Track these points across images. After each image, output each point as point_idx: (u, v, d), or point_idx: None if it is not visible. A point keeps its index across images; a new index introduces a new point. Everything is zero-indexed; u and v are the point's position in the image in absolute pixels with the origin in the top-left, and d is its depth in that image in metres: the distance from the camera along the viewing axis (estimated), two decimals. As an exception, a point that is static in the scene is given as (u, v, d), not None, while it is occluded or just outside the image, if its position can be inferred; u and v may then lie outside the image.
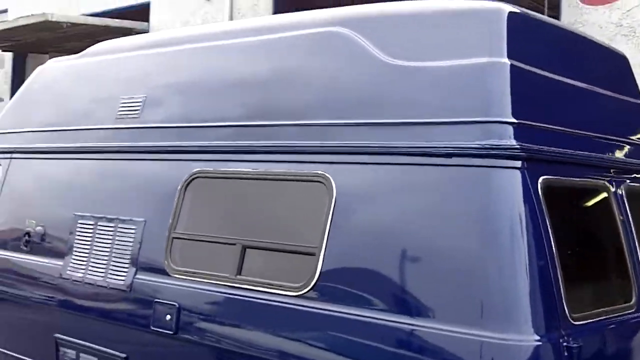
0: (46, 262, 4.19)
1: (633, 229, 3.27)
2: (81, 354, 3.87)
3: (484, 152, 2.73)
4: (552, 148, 2.88)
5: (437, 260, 2.77)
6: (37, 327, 4.20)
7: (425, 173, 2.86)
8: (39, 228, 4.34)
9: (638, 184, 3.46)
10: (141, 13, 12.02)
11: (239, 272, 3.29)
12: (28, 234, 4.38)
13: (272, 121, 3.39)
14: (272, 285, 3.14)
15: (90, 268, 3.90)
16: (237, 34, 3.86)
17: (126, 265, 3.73)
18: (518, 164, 2.73)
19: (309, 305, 3.00)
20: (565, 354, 2.59)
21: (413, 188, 2.90)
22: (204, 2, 11.13)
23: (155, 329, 3.49)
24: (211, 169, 3.56)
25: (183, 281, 3.46)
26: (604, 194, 3.20)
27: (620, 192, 3.28)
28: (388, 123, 3.01)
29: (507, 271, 2.63)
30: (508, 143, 2.73)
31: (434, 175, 2.84)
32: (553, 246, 2.71)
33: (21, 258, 4.39)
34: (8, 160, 4.75)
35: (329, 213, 3.02)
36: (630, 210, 3.30)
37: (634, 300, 3.15)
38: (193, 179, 3.61)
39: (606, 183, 3.21)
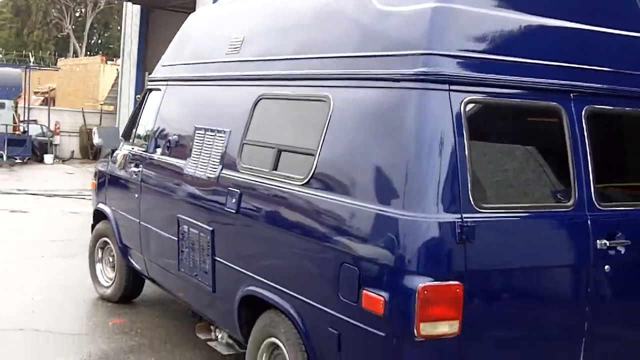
0: (176, 162, 5.61)
1: (587, 144, 3.88)
2: (190, 229, 5.24)
3: (419, 77, 3.56)
4: (479, 74, 3.63)
5: (383, 158, 3.68)
6: (168, 209, 5.66)
7: (385, 94, 3.75)
8: (174, 136, 5.80)
9: (603, 106, 4.04)
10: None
11: (275, 168, 4.43)
12: (169, 140, 5.85)
13: (300, 55, 4.45)
14: (289, 177, 4.24)
15: (199, 166, 5.23)
16: None
17: (217, 163, 5.00)
18: (445, 87, 3.55)
19: (308, 192, 4.06)
20: (458, 230, 3.41)
21: (377, 106, 3.79)
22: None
23: (227, 209, 4.75)
24: (269, 92, 4.70)
25: (244, 175, 4.67)
26: (546, 112, 3.86)
27: (578, 112, 3.89)
28: (368, 55, 3.92)
29: (422, 167, 3.49)
30: (435, 70, 3.55)
31: (390, 96, 3.72)
32: (466, 152, 3.50)
33: (164, 158, 5.88)
34: (165, 86, 6.26)
35: (325, 124, 4.04)
36: (589, 128, 3.91)
37: (571, 201, 3.81)
38: (259, 100, 4.77)
39: (554, 103, 3.85)
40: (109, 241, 7.04)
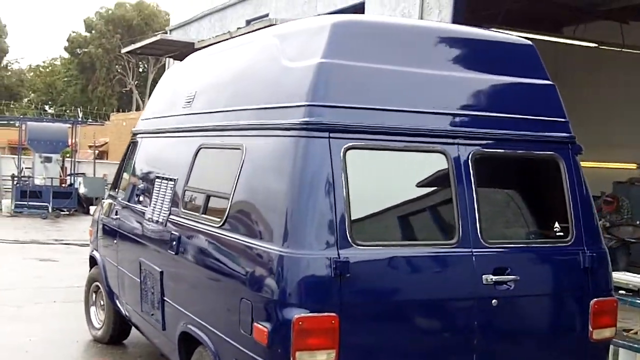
0: (141, 209, 6.06)
1: (473, 184, 4.15)
2: (148, 271, 5.64)
3: (302, 126, 3.92)
4: (360, 122, 3.96)
5: (272, 200, 4.03)
6: (135, 253, 6.08)
7: (279, 142, 4.09)
8: (142, 185, 6.27)
9: (492, 149, 4.31)
10: (357, 11, 13.63)
11: (204, 212, 4.81)
12: (138, 189, 6.32)
13: (228, 108, 4.86)
14: (212, 220, 4.62)
15: (155, 211, 5.66)
16: (224, 49, 5.43)
17: (167, 209, 5.42)
18: (325, 134, 3.90)
19: (222, 233, 4.43)
20: (333, 265, 3.72)
21: (273, 153, 4.15)
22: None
23: (169, 251, 5.15)
24: (206, 142, 5.10)
25: (183, 219, 5.07)
26: (430, 156, 4.15)
27: (464, 155, 4.17)
28: (272, 107, 4.30)
29: (302, 208, 3.82)
30: (316, 120, 3.90)
31: (282, 143, 4.06)
32: (344, 193, 3.82)
33: (133, 206, 6.34)
34: (140, 139, 6.77)
35: (238, 171, 4.42)
36: (476, 170, 4.18)
37: (455, 238, 4.07)
38: (199, 149, 5.18)
39: (439, 147, 4.14)
40: (100, 285, 7.50)
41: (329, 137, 3.90)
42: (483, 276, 4.07)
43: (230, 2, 18.69)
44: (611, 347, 5.49)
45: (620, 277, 6.77)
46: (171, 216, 5.31)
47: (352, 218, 3.84)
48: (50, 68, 69.71)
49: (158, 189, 5.72)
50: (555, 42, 13.56)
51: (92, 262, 7.71)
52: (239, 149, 4.50)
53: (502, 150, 4.37)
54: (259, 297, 3.88)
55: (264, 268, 3.90)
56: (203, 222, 4.74)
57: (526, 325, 4.27)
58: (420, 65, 4.25)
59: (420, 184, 4.24)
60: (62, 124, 23.39)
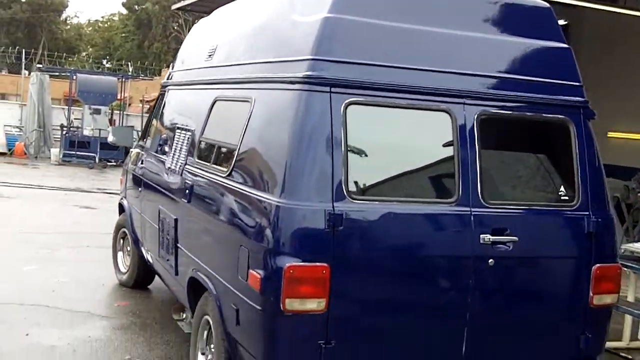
0: (163, 158, 6.19)
1: (476, 145, 4.14)
2: (165, 218, 5.79)
3: (305, 80, 3.95)
4: (362, 78, 3.97)
5: (273, 152, 4.08)
6: (155, 201, 6.24)
7: (284, 95, 4.11)
8: (164, 135, 6.39)
9: (499, 111, 4.29)
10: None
11: (214, 162, 4.91)
12: (161, 139, 6.46)
13: (242, 62, 4.92)
14: (220, 170, 4.71)
15: (173, 161, 5.78)
16: (246, 3, 5.50)
17: (183, 159, 5.53)
18: (326, 89, 3.92)
19: (228, 183, 4.51)
20: (327, 217, 3.77)
21: (278, 106, 4.19)
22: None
23: (183, 199, 5.27)
24: (222, 95, 5.18)
25: (196, 168, 5.18)
26: (433, 114, 4.15)
27: (469, 115, 4.16)
28: (280, 61, 4.33)
29: (300, 160, 3.87)
30: (317, 74, 3.93)
31: (285, 96, 4.09)
32: (342, 148, 3.86)
33: (157, 155, 6.48)
34: (166, 91, 6.89)
35: (246, 122, 4.48)
36: (480, 130, 4.17)
37: (454, 197, 4.08)
38: (215, 101, 5.26)
39: (443, 105, 4.13)
40: (126, 232, 7.72)
41: (330, 92, 3.93)
42: (481, 235, 4.08)
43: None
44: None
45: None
46: (187, 166, 5.42)
47: (350, 172, 3.88)
48: (108, 23, 70.67)
49: (177, 139, 5.84)
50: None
51: (121, 209, 7.92)
52: (248, 101, 4.56)
53: (510, 112, 4.34)
54: (256, 245, 3.97)
55: (261, 217, 3.98)
56: (212, 172, 4.83)
57: (524, 287, 4.27)
58: (430, 24, 4.23)
59: (422, 143, 4.25)
60: (111, 78, 23.83)
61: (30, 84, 22.61)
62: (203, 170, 5.04)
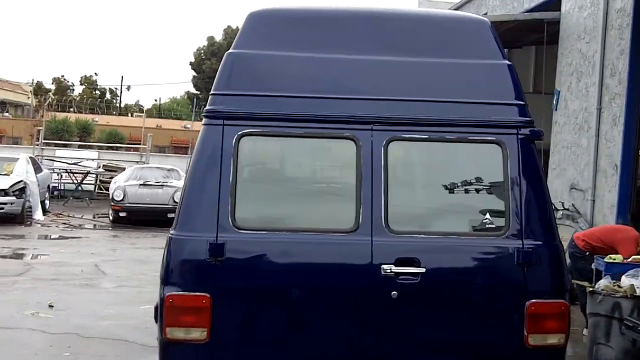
0: None
1: (382, 171, 3.96)
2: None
3: (205, 114, 4.11)
4: (257, 110, 4.01)
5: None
6: None
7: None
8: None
9: (412, 135, 4.08)
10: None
11: None
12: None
13: None
14: None
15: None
16: None
17: None
18: (219, 122, 4.03)
19: None
20: (210, 248, 3.84)
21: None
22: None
23: None
24: None
25: None
26: (332, 142, 4.05)
27: (377, 141, 4.00)
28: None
29: (191, 192, 3.99)
30: (213, 108, 4.05)
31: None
32: (231, 179, 3.92)
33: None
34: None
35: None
36: (392, 156, 4.00)
37: (353, 226, 3.92)
38: None
39: (349, 132, 4.02)
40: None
41: (223, 125, 4.02)
42: (382, 266, 3.88)
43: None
44: None
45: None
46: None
47: (238, 203, 3.92)
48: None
49: None
50: None
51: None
52: None
53: (426, 136, 4.10)
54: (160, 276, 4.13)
55: (164, 249, 4.14)
56: None
57: (436, 323, 3.96)
58: (337, 51, 4.17)
59: (322, 171, 4.17)
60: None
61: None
62: None
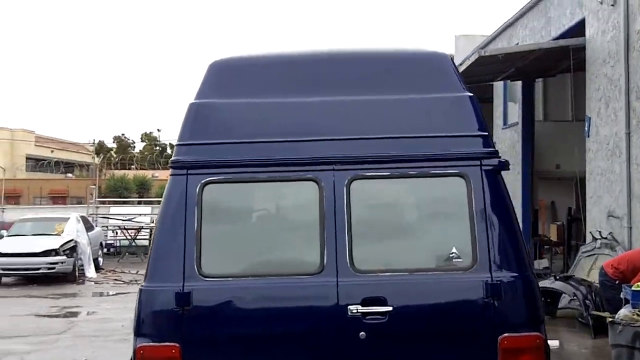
0: None
1: (345, 211, 3.96)
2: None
3: (170, 165, 4.17)
4: (219, 158, 4.07)
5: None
6: None
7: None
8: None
9: (372, 172, 4.07)
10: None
11: None
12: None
13: None
14: None
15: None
16: None
17: None
18: (183, 172, 4.10)
19: None
20: (176, 297, 3.87)
21: None
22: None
23: None
24: None
25: None
26: (294, 184, 4.07)
27: (339, 180, 4.02)
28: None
29: (158, 242, 4.06)
30: (177, 158, 4.14)
31: None
32: (195, 228, 3.98)
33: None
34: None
35: None
36: (354, 195, 4.00)
37: (318, 268, 3.92)
38: None
39: (311, 174, 4.03)
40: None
41: (187, 174, 4.09)
42: (349, 307, 3.86)
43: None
44: None
45: None
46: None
47: (203, 251, 3.97)
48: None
49: None
50: None
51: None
52: None
53: (388, 173, 4.09)
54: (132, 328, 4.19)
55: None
56: None
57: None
58: (296, 95, 4.21)
59: (285, 214, 4.18)
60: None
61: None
62: None
